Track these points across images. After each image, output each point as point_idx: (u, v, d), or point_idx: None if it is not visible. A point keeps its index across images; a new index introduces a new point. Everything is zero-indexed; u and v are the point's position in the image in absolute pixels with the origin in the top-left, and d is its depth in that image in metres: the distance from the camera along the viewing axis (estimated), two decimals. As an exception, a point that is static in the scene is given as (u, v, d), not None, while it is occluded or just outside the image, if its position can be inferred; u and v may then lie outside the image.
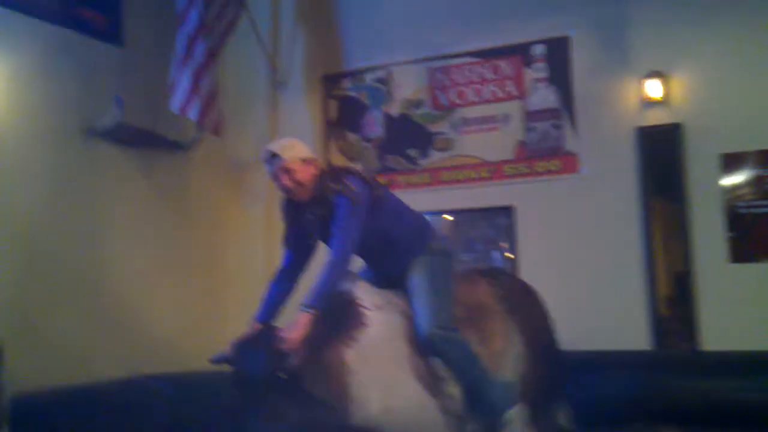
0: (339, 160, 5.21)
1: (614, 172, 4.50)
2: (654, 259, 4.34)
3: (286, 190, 2.96)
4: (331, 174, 2.96)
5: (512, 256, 4.67)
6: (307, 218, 2.96)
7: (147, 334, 4.46)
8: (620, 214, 4.45)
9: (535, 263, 4.58)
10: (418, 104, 5.08)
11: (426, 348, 2.77)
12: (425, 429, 2.68)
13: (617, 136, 4.51)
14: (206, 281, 5.06)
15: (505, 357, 2.94)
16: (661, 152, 4.41)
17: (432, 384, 2.73)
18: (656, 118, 4.44)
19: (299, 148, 2.96)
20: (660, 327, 4.28)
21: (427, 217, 3.36)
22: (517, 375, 2.95)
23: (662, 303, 4.31)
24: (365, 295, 2.83)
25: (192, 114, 4.52)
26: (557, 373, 3.17)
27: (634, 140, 4.47)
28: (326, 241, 2.99)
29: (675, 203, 4.34)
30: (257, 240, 5.20)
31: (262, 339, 2.74)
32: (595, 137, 4.58)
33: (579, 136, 4.61)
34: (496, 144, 4.81)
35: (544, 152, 4.69)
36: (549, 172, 4.66)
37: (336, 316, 2.71)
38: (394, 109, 5.13)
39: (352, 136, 5.22)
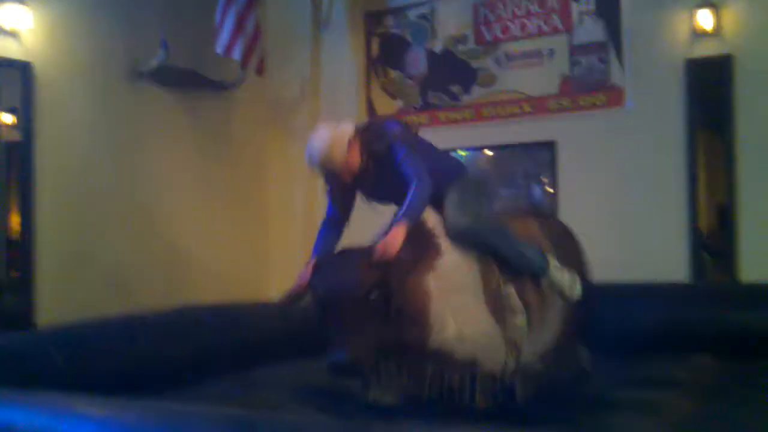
0: (381, 98, 5.22)
1: (661, 106, 4.41)
2: (697, 193, 4.27)
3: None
4: (370, 137, 2.93)
5: (553, 191, 4.65)
6: (359, 186, 2.95)
7: (192, 267, 4.62)
8: (665, 148, 4.38)
9: (576, 198, 4.56)
10: (461, 40, 5.02)
11: (456, 236, 2.81)
12: (490, 357, 2.75)
13: (665, 69, 4.41)
14: (248, 217, 5.18)
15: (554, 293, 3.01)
16: (710, 85, 4.30)
17: (500, 314, 2.79)
18: (707, 49, 4.32)
19: (336, 148, 2.78)
20: (700, 260, 4.24)
21: (459, 157, 3.36)
22: (561, 309, 3.01)
23: (704, 236, 4.26)
24: (437, 225, 2.86)
25: (236, 54, 4.57)
26: (589, 312, 3.20)
27: (683, 73, 4.36)
28: (381, 199, 3.00)
29: (722, 136, 4.25)
30: (298, 178, 5.26)
31: (349, 259, 2.69)
32: (643, 71, 4.48)
33: (625, 70, 4.52)
34: (540, 79, 4.75)
35: (589, 86, 4.61)
36: (593, 106, 4.59)
37: (414, 244, 2.68)
38: (437, 46, 5.09)
39: (394, 74, 5.21)
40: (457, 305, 2.70)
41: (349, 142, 2.81)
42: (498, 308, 2.79)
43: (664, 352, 3.58)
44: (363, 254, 2.61)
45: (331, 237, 3.02)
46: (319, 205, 5.25)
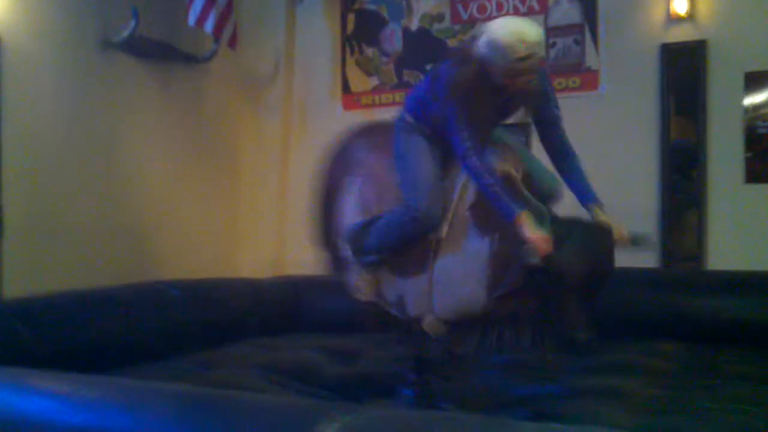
0: (356, 75, 5.17)
1: (635, 90, 4.42)
2: (669, 178, 4.30)
3: (516, 88, 2.67)
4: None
5: (527, 173, 4.65)
6: (493, 104, 2.74)
7: (161, 241, 4.57)
8: (639, 132, 4.39)
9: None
10: (437, 18, 4.98)
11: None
12: None
13: (640, 53, 4.42)
14: (220, 192, 5.13)
15: None
16: (684, 70, 4.32)
17: None
18: (681, 34, 4.33)
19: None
20: (670, 246, 4.27)
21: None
22: None
23: (674, 223, 4.29)
24: None
25: (208, 27, 4.51)
26: None
27: (658, 57, 4.36)
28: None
29: (694, 122, 4.27)
30: (271, 153, 5.23)
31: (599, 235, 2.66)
32: (618, 54, 4.48)
33: (600, 54, 4.52)
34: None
35: (564, 69, 4.60)
36: (567, 88, 4.58)
37: None
38: (414, 24, 5.04)
39: (370, 51, 5.16)
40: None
41: None
42: None
43: (628, 338, 3.62)
44: (604, 232, 2.63)
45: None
46: (292, 180, 5.24)
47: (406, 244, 2.75)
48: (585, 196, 2.76)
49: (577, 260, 2.47)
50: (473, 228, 2.70)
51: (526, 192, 2.73)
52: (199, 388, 1.82)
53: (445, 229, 2.72)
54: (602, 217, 2.69)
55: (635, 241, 2.60)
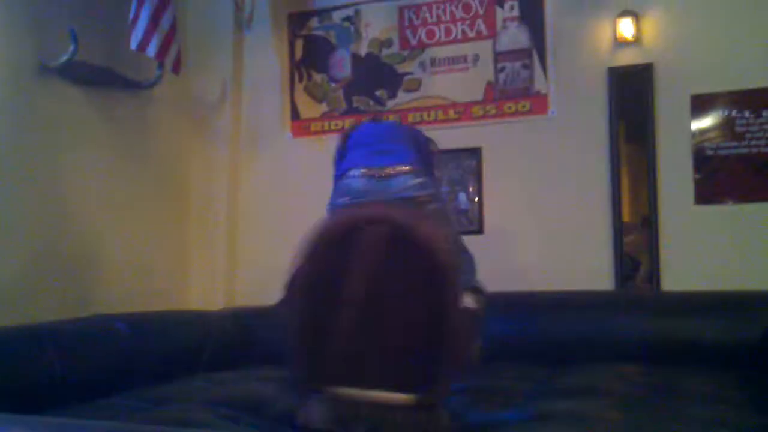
0: (305, 102, 5.11)
1: (584, 114, 4.44)
2: (620, 201, 4.31)
3: None
4: None
5: (478, 198, 4.63)
6: None
7: (106, 275, 4.39)
8: (588, 155, 4.41)
9: (501, 205, 4.56)
10: (386, 44, 4.96)
11: None
12: None
13: (588, 76, 4.45)
14: (168, 222, 4.97)
15: None
16: (631, 93, 4.36)
17: None
18: (628, 58, 4.38)
19: None
20: (624, 268, 4.28)
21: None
22: None
23: (627, 245, 4.30)
24: None
25: (150, 51, 4.39)
26: None
27: (606, 81, 4.40)
28: None
29: (644, 145, 4.31)
30: (221, 180, 5.10)
31: None
32: (566, 78, 4.50)
33: (548, 77, 4.54)
34: (465, 84, 4.72)
35: (514, 93, 4.61)
36: (517, 113, 4.59)
37: None
38: (362, 49, 5.01)
39: (318, 77, 5.10)
40: None
41: None
42: None
43: (589, 361, 3.59)
44: None
45: None
46: (242, 209, 5.12)
47: None
48: None
49: None
50: None
51: None
52: (137, 425, 1.70)
53: None
54: None
55: None
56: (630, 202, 4.33)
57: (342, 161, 3.28)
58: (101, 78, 4.44)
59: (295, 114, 5.13)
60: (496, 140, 4.62)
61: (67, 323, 3.58)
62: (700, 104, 4.20)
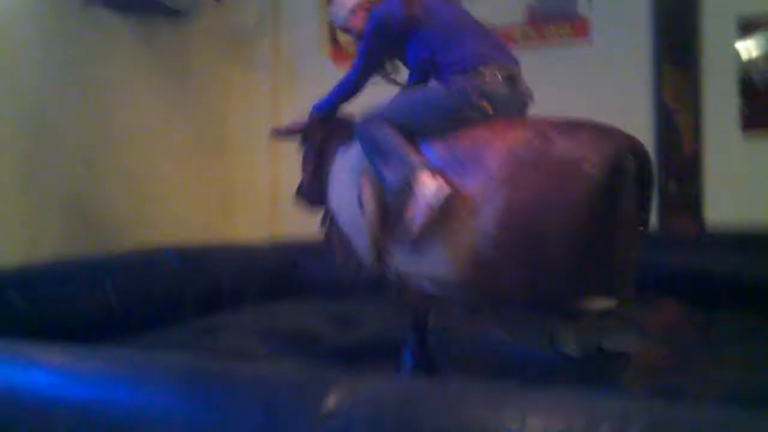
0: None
1: (626, 38, 4.36)
2: (664, 128, 4.27)
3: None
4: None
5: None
6: None
7: (151, 205, 4.50)
8: (631, 81, 4.34)
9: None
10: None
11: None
12: (357, 237, 2.84)
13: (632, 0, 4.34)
14: (210, 154, 5.05)
15: None
16: (676, 15, 4.25)
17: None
18: (673, -22, 4.25)
19: (343, 6, 3.04)
20: (667, 202, 4.25)
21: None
22: None
23: (671, 176, 4.27)
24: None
25: (192, -21, 4.39)
26: None
27: (649, 5, 4.29)
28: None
29: (688, 69, 4.22)
30: (263, 110, 5.13)
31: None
32: (609, 2, 4.40)
33: (591, 0, 4.44)
34: (505, 7, 4.64)
35: (555, 16, 4.53)
36: (559, 37, 4.52)
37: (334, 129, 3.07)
38: (401, -27, 4.92)
39: (357, 1, 5.04)
40: (342, 183, 2.93)
41: (352, 10, 3.01)
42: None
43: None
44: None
45: (341, 96, 3.11)
46: (285, 140, 5.15)
47: None
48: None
49: None
50: None
51: None
52: (202, 360, 1.81)
53: None
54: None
55: None
56: (674, 132, 4.27)
57: (445, 46, 2.70)
58: (142, 6, 4.46)
59: (334, 41, 5.11)
60: (536, 65, 4.54)
61: (121, 256, 3.72)
62: (747, 26, 4.10)
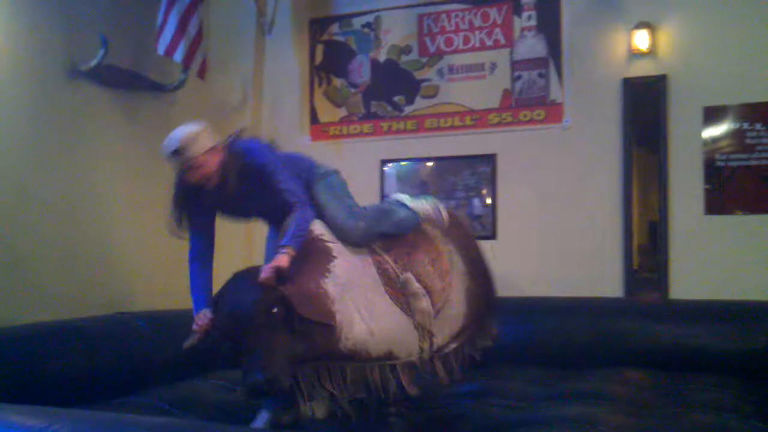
0: (324, 106, 5.21)
1: (598, 123, 4.53)
2: (631, 209, 4.41)
3: (191, 184, 2.85)
4: (238, 152, 2.89)
5: (492, 203, 4.73)
6: (217, 199, 2.90)
7: (126, 274, 4.52)
8: (601, 164, 4.50)
9: (515, 211, 4.66)
10: (405, 51, 5.06)
11: (362, 239, 2.93)
12: (404, 346, 2.81)
13: (603, 86, 4.54)
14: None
15: (452, 275, 3.09)
16: (645, 104, 4.44)
17: (404, 302, 2.86)
18: (643, 69, 4.46)
19: (202, 140, 2.82)
20: (633, 276, 4.37)
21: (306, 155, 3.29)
22: (463, 290, 3.12)
23: (637, 252, 4.39)
24: (324, 231, 2.90)
25: (178, 56, 4.51)
26: (491, 289, 3.31)
27: (620, 91, 4.49)
28: (246, 216, 3.13)
29: (656, 154, 4.39)
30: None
31: (242, 283, 2.70)
32: (581, 88, 4.59)
33: (564, 87, 4.62)
34: (481, 92, 4.82)
35: (529, 101, 4.70)
36: (533, 121, 4.68)
37: (305, 253, 2.77)
38: (381, 55, 5.11)
39: (338, 82, 5.21)
40: (361, 302, 2.76)
41: (213, 147, 2.83)
42: (400, 297, 2.87)
43: (596, 366, 3.68)
44: (255, 275, 2.61)
45: (205, 273, 3.02)
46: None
47: None
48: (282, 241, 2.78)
49: (224, 309, 2.60)
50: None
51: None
52: (177, 420, 1.80)
53: None
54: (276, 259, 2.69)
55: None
56: (640, 211, 4.42)
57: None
58: (128, 81, 4.57)
59: (314, 118, 5.24)
60: (511, 147, 4.72)
61: (92, 321, 3.69)
62: (713, 116, 4.29)
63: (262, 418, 2.75)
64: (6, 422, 1.88)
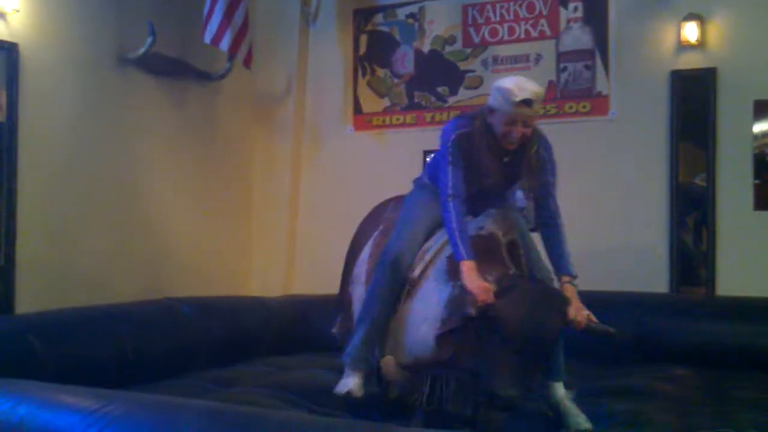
0: (367, 96, 5.22)
1: (645, 116, 4.47)
2: (678, 204, 4.33)
3: (512, 139, 2.74)
4: (541, 133, 2.91)
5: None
6: (487, 163, 2.81)
7: (174, 259, 4.59)
8: (648, 157, 4.44)
9: (559, 203, 4.60)
10: (449, 41, 5.03)
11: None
12: None
13: (651, 79, 4.47)
14: (232, 211, 5.16)
15: None
16: (694, 96, 4.37)
17: None
18: (691, 62, 4.38)
19: (539, 104, 2.77)
20: (680, 271, 4.30)
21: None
22: None
23: (684, 247, 4.33)
24: None
25: (224, 45, 4.55)
26: None
27: (668, 84, 4.42)
28: (482, 188, 2.90)
29: (704, 148, 4.32)
30: (283, 172, 5.26)
31: (545, 300, 2.56)
32: (628, 80, 4.53)
33: (610, 79, 4.57)
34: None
35: (575, 93, 4.65)
36: (578, 113, 4.63)
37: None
38: (425, 46, 5.10)
39: (381, 72, 5.21)
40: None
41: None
42: None
43: (642, 363, 3.64)
44: (555, 297, 2.59)
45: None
46: (303, 200, 5.28)
47: (382, 302, 2.80)
48: (559, 265, 2.80)
49: (512, 312, 2.43)
50: (444, 274, 2.74)
51: (517, 259, 2.78)
52: (228, 405, 1.83)
53: (417, 271, 2.81)
54: (568, 291, 2.67)
55: (590, 330, 2.56)
56: (688, 205, 4.35)
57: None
58: (175, 69, 4.63)
59: (357, 108, 5.25)
60: (556, 139, 4.64)
61: (139, 305, 3.76)
62: (763, 109, 4.20)
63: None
64: (59, 403, 1.93)
